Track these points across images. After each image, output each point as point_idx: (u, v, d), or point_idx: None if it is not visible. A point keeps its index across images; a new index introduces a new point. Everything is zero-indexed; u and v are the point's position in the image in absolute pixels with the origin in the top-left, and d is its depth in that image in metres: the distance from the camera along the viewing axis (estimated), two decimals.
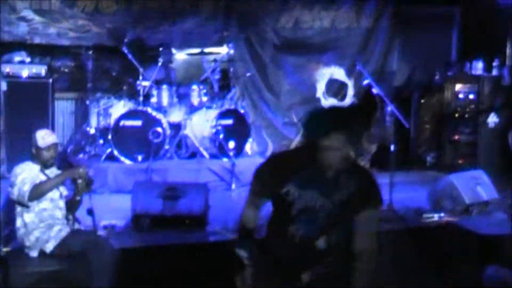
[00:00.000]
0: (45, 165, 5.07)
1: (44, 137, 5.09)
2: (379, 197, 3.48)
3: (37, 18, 8.60)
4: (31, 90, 8.47)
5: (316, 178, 3.31)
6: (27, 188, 4.83)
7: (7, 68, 8.42)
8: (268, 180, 3.39)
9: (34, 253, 4.96)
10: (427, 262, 6.17)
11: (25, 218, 4.96)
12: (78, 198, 5.04)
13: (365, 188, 3.41)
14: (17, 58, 8.56)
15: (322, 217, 3.32)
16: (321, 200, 3.31)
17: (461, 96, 9.62)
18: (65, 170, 5.13)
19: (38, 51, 8.97)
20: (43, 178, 5.01)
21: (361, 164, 3.76)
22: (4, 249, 5.35)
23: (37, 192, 4.84)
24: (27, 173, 4.94)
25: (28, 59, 8.65)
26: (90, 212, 4.95)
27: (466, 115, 9.52)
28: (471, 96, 9.49)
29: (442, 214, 6.88)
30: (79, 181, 4.95)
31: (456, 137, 9.64)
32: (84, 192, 4.99)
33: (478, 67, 9.61)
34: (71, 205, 5.05)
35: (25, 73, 8.49)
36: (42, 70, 8.61)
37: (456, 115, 9.65)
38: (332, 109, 3.78)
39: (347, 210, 3.33)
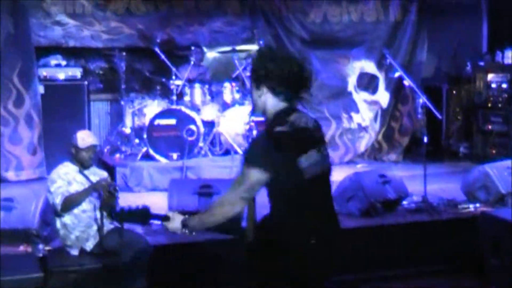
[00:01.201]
0: (83, 166, 5.10)
1: (84, 138, 5.12)
2: None
3: (71, 21, 8.66)
4: (67, 93, 8.57)
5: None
6: (58, 201, 4.90)
7: (44, 72, 8.52)
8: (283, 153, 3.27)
9: (74, 252, 5.00)
10: (462, 253, 6.12)
11: (64, 220, 4.99)
12: (107, 204, 5.03)
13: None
14: (53, 62, 8.66)
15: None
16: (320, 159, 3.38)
17: (493, 85, 9.49)
18: (92, 183, 5.09)
19: (72, 54, 9.06)
20: (81, 179, 5.04)
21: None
22: (46, 248, 5.42)
23: (68, 206, 4.91)
24: (61, 182, 4.97)
25: (64, 62, 8.76)
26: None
27: (499, 105, 9.40)
28: (503, 86, 9.36)
29: (477, 205, 6.79)
30: (105, 193, 4.93)
31: (489, 127, 9.51)
32: (109, 202, 4.98)
33: (510, 56, 9.47)
34: (105, 209, 5.05)
35: (61, 76, 8.59)
36: (78, 72, 8.69)
37: (488, 105, 9.52)
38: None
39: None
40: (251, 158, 3.27)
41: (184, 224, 3.36)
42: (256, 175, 3.21)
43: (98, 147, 5.40)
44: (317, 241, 3.26)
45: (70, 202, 4.91)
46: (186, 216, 3.38)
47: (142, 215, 3.46)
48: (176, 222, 3.37)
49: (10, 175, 8.23)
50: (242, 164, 3.30)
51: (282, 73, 3.29)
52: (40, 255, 5.20)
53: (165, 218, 3.40)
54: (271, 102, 3.36)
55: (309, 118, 3.44)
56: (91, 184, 4.99)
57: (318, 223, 3.30)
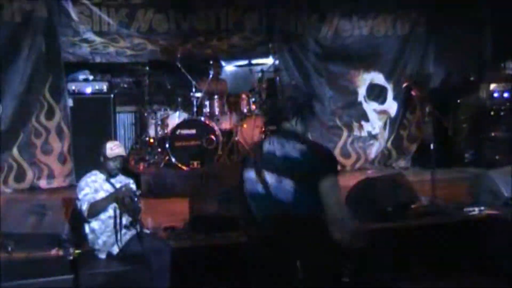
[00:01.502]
0: (110, 174, 5.10)
1: (112, 148, 5.12)
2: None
3: (97, 39, 8.71)
4: (94, 105, 8.63)
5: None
6: (85, 207, 4.90)
7: (72, 86, 8.61)
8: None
9: (102, 255, 5.01)
10: (471, 253, 6.08)
11: (93, 225, 5.00)
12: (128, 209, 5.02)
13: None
14: (81, 77, 8.75)
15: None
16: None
17: (496, 95, 9.46)
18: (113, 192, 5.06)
19: (99, 69, 9.10)
20: (107, 187, 5.04)
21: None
22: (76, 252, 5.43)
23: (93, 212, 4.90)
24: (88, 189, 4.98)
25: (91, 77, 8.81)
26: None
27: (502, 113, 9.35)
28: (505, 95, 9.34)
29: (482, 208, 6.73)
30: (126, 199, 4.92)
31: (493, 134, 9.47)
32: (129, 207, 4.95)
33: None
34: (132, 214, 5.05)
35: (88, 89, 8.67)
36: (104, 86, 8.76)
37: (492, 113, 9.48)
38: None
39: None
40: None
41: None
42: None
43: (124, 157, 5.38)
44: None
45: (95, 209, 4.91)
46: None
47: None
48: None
49: (42, 183, 8.31)
50: None
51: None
52: (71, 258, 5.21)
53: None
54: None
55: (282, 146, 3.30)
56: (114, 191, 4.99)
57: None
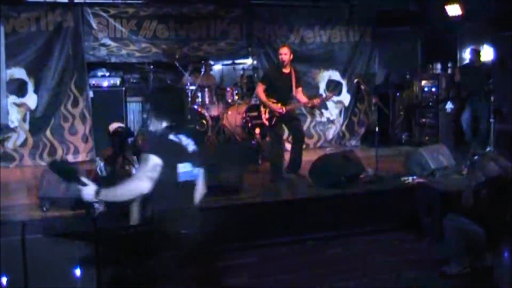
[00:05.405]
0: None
1: (112, 126, 5.20)
2: None
3: (113, 44, 8.65)
4: (110, 96, 8.61)
5: None
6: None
7: (93, 81, 8.58)
8: None
9: None
10: (405, 213, 6.19)
11: None
12: None
13: None
14: (99, 73, 8.72)
15: None
16: None
17: (426, 89, 9.56)
18: None
19: (114, 68, 9.05)
20: None
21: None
22: (96, 212, 5.42)
23: None
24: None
25: (107, 74, 8.79)
26: None
27: (430, 104, 9.47)
28: (433, 90, 9.43)
29: (414, 177, 6.85)
30: None
31: (423, 120, 9.59)
32: None
33: (437, 68, 9.56)
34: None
35: (105, 83, 8.65)
36: (117, 81, 8.74)
37: (423, 104, 9.60)
38: None
39: None
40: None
41: (96, 193, 3.09)
42: (155, 159, 3.15)
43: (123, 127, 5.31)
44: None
45: None
46: (99, 187, 3.10)
47: (70, 173, 3.16)
48: (90, 189, 3.08)
49: (69, 157, 8.33)
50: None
51: None
52: (92, 217, 5.23)
53: (82, 183, 3.05)
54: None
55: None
56: None
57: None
